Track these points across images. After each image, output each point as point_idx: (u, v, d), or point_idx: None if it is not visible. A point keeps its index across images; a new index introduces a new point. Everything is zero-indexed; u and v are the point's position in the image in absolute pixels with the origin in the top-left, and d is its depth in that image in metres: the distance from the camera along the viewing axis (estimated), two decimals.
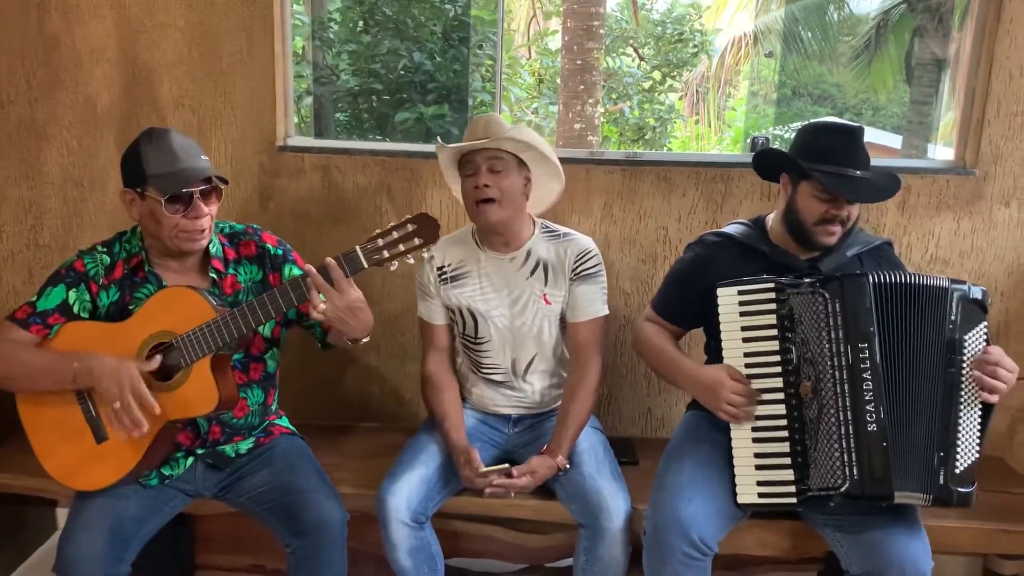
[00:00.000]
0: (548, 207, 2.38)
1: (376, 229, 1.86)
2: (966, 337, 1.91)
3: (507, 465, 2.13)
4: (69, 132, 2.75)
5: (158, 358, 1.94)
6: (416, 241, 1.83)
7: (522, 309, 2.28)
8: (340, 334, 2.00)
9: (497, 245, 2.28)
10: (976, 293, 1.94)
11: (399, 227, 1.84)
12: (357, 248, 1.85)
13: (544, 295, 2.27)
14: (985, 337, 1.95)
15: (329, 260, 1.85)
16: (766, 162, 2.22)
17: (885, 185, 2.07)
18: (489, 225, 2.20)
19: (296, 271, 2.13)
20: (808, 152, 2.05)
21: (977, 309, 1.94)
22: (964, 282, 1.95)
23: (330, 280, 1.86)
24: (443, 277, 2.31)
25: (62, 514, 2.86)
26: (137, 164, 1.95)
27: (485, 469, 2.11)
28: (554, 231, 2.32)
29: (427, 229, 1.83)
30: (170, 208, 1.93)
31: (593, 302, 2.27)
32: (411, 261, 1.85)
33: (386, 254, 1.84)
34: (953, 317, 1.91)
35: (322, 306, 1.86)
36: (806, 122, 2.21)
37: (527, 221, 2.30)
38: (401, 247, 1.83)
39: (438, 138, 2.31)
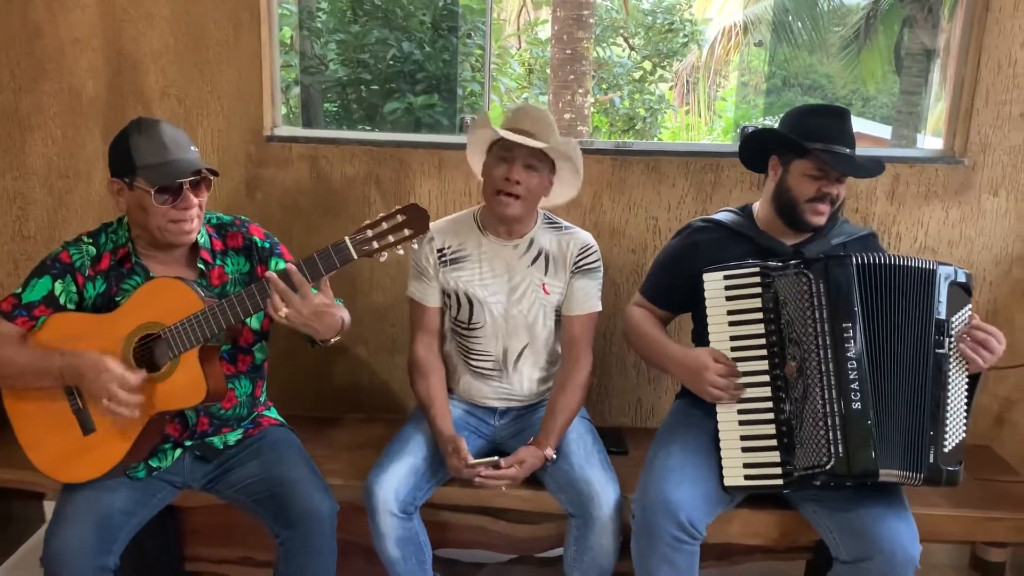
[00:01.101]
0: (553, 206, 2.35)
1: (364, 219, 1.84)
2: (953, 319, 1.95)
3: (496, 458, 2.12)
4: (54, 123, 2.73)
5: (144, 372, 1.92)
6: (406, 232, 1.82)
7: (520, 297, 2.28)
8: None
9: (501, 232, 2.28)
10: (961, 276, 1.97)
11: (388, 218, 1.83)
12: (346, 239, 1.83)
13: (543, 284, 2.27)
14: (969, 317, 1.98)
15: (289, 266, 1.84)
16: (757, 144, 2.22)
17: (871, 164, 2.12)
18: (504, 217, 2.20)
19: (282, 265, 2.11)
20: (799, 133, 2.08)
21: (963, 292, 1.97)
22: (950, 264, 1.98)
23: (293, 286, 1.84)
24: (443, 259, 2.29)
25: (50, 507, 2.84)
26: (126, 154, 1.94)
27: (473, 461, 2.11)
28: (556, 222, 2.32)
29: (417, 220, 1.82)
30: (159, 199, 1.92)
31: (590, 297, 2.28)
32: (400, 252, 1.85)
33: (375, 245, 1.82)
34: (940, 299, 1.94)
35: (284, 311, 1.84)
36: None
37: (533, 213, 2.30)
38: (391, 238, 1.82)
39: (483, 110, 2.29)
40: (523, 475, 2.14)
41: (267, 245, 2.15)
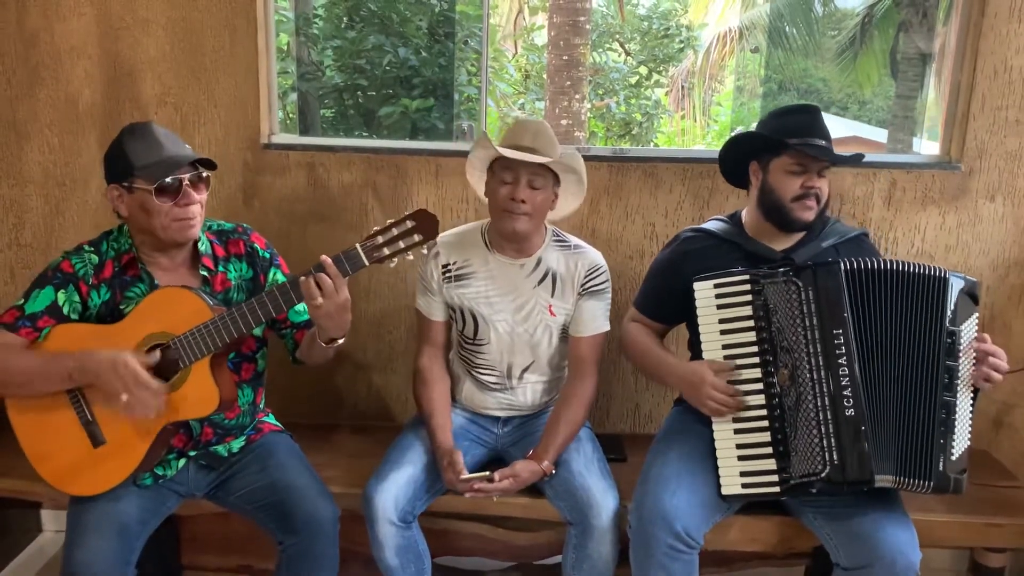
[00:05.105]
0: (560, 218, 2.34)
1: (362, 227, 1.85)
2: (961, 328, 1.92)
3: (488, 472, 2.11)
4: (50, 130, 2.72)
5: (157, 352, 1.90)
6: (416, 238, 1.82)
7: (525, 316, 2.26)
8: (320, 332, 1.97)
9: (508, 250, 2.26)
10: (970, 284, 1.95)
11: (398, 224, 1.83)
12: (358, 246, 1.84)
13: (550, 306, 2.26)
14: (977, 327, 1.96)
15: (325, 258, 1.84)
16: (735, 155, 2.22)
17: (849, 155, 2.14)
18: (514, 234, 2.17)
19: (280, 277, 2.11)
20: (776, 133, 2.09)
21: (970, 301, 1.95)
22: (959, 273, 1.95)
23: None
24: (447, 275, 2.28)
25: (47, 516, 2.85)
26: (122, 158, 1.93)
27: (467, 476, 2.09)
28: (565, 240, 2.29)
29: (426, 226, 1.82)
30: (160, 198, 1.91)
31: (597, 318, 2.26)
32: (410, 258, 1.85)
33: (386, 251, 1.83)
34: (950, 307, 1.91)
35: (319, 299, 1.84)
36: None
37: (541, 229, 2.28)
38: (401, 244, 1.83)
39: (484, 132, 2.27)
40: (516, 488, 2.13)
41: (267, 256, 2.15)
